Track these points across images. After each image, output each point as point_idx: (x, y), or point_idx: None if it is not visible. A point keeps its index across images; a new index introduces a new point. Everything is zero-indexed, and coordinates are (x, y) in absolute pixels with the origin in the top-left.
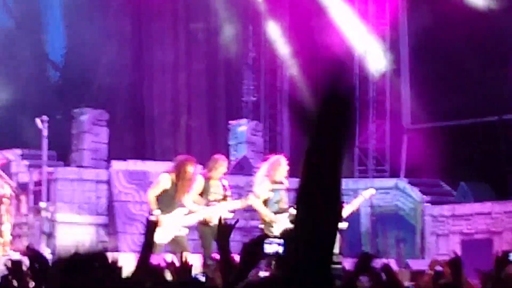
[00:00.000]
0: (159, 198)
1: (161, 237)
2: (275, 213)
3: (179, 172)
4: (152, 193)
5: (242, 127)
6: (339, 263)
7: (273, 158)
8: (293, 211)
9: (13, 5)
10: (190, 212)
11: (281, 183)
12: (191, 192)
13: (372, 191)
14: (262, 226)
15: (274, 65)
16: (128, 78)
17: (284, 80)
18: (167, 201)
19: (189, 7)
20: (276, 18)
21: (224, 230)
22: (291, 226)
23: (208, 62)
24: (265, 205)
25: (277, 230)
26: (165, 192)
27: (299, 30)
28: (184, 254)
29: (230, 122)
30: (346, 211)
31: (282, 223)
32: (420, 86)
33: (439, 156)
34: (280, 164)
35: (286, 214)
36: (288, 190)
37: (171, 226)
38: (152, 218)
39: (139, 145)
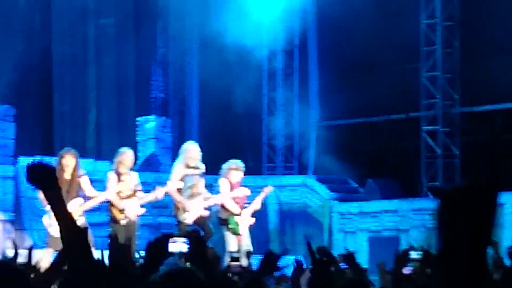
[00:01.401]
0: None
1: (56, 231)
2: (189, 197)
3: (58, 167)
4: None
5: (150, 123)
6: (237, 259)
7: (185, 144)
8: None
9: None
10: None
11: (195, 168)
12: (109, 189)
13: (270, 188)
14: (174, 213)
15: (183, 62)
16: (37, 73)
17: (193, 77)
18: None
19: (98, 1)
20: (185, 14)
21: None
22: (202, 213)
23: (117, 58)
24: (178, 192)
25: (190, 217)
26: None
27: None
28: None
29: (139, 118)
30: (249, 210)
31: (196, 209)
32: (328, 82)
33: (346, 153)
34: (190, 150)
35: (200, 198)
36: (203, 175)
37: None
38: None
39: (47, 141)
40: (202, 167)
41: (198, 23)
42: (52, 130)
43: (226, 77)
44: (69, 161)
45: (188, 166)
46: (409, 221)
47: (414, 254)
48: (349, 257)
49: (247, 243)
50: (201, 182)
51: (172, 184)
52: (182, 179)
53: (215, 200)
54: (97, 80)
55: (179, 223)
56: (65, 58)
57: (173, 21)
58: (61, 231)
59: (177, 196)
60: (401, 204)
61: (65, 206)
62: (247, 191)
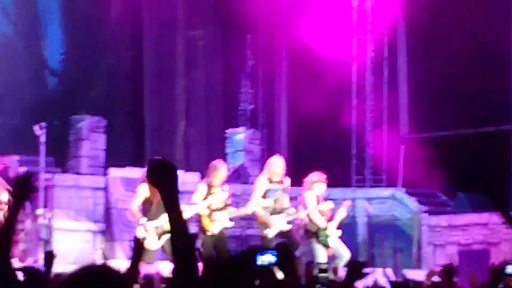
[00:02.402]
0: (143, 207)
1: (152, 244)
2: (272, 213)
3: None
4: (134, 204)
5: (239, 135)
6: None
7: (270, 159)
8: (292, 211)
9: (12, 11)
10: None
11: (279, 182)
12: (193, 199)
13: (349, 202)
14: (258, 227)
15: (271, 73)
16: (127, 85)
17: (281, 89)
18: (150, 208)
19: (188, 14)
20: (274, 27)
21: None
22: (288, 227)
23: (206, 70)
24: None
25: (272, 232)
26: (147, 200)
27: (296, 39)
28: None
29: (227, 130)
30: (335, 222)
31: (278, 223)
32: (418, 95)
33: (436, 165)
34: (274, 164)
35: (283, 215)
36: (287, 190)
37: (160, 232)
38: (141, 229)
39: (137, 152)
40: (286, 182)
41: (287, 35)
42: (142, 141)
43: (314, 89)
44: None
45: (271, 181)
46: (499, 234)
47: (510, 269)
48: (448, 269)
49: (345, 252)
50: (285, 198)
51: (255, 204)
52: (265, 194)
53: (301, 214)
54: (186, 92)
55: (263, 237)
56: (154, 70)
57: (262, 33)
58: (172, 235)
59: (260, 212)
60: (491, 217)
61: (180, 210)
62: (331, 205)
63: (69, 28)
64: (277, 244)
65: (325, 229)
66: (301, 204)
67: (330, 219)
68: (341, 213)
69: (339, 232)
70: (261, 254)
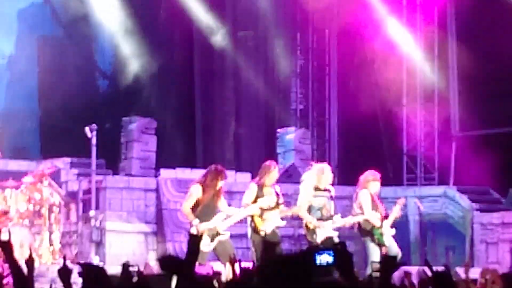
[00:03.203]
0: (195, 208)
1: (205, 245)
2: (318, 219)
3: (206, 182)
4: (187, 205)
5: (290, 135)
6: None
7: (317, 166)
8: (337, 219)
9: (63, 14)
10: (228, 216)
11: (325, 190)
12: (244, 200)
13: (402, 200)
14: (304, 232)
15: (322, 73)
16: (178, 86)
17: (332, 88)
18: (203, 210)
19: (237, 15)
20: (324, 26)
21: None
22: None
23: (256, 70)
24: (308, 212)
25: (320, 237)
26: (199, 201)
27: (347, 38)
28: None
29: (278, 130)
30: (389, 221)
31: (325, 230)
32: (468, 92)
33: (488, 163)
34: (323, 172)
35: (329, 222)
36: (333, 198)
37: (212, 234)
38: (194, 231)
39: (188, 153)
40: (332, 191)
41: (337, 35)
42: (193, 142)
43: (365, 88)
44: (221, 183)
45: (317, 188)
46: None
47: None
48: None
49: (397, 251)
50: (330, 205)
51: (302, 206)
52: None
53: (357, 219)
54: (236, 92)
55: (309, 243)
56: (205, 71)
57: (311, 32)
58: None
59: (307, 217)
60: None
61: None
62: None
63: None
64: (334, 244)
65: (380, 227)
66: (354, 203)
67: (385, 218)
68: (395, 212)
69: (393, 231)
70: (319, 254)
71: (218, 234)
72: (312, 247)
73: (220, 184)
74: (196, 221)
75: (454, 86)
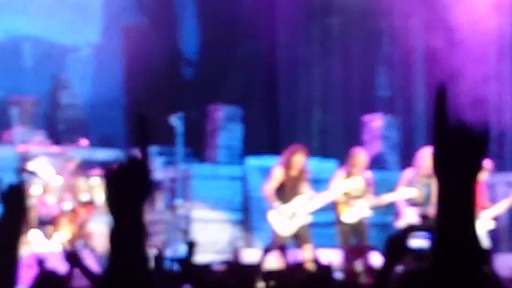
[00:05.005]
0: (278, 191)
1: (285, 229)
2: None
3: (287, 163)
4: (268, 188)
5: (376, 122)
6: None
7: (422, 152)
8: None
9: (147, 2)
10: (311, 200)
11: (428, 176)
12: (330, 187)
13: None
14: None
15: (409, 59)
16: (262, 73)
17: (418, 74)
18: (284, 192)
19: (323, 2)
20: (410, 12)
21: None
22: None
23: (342, 57)
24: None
25: (402, 223)
26: (281, 184)
27: (434, 24)
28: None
29: (365, 117)
30: (491, 212)
31: (409, 216)
32: None
33: None
34: (426, 157)
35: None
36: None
37: (294, 216)
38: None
39: (273, 141)
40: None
41: (423, 21)
42: (278, 130)
43: (452, 73)
44: (298, 159)
45: (420, 174)
46: None
47: None
48: None
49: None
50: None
51: (401, 193)
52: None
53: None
54: (322, 79)
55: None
56: (290, 58)
57: (397, 19)
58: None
59: (401, 203)
60: None
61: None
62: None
63: (204, 18)
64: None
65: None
66: None
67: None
68: (502, 205)
69: (492, 223)
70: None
71: (298, 217)
72: (409, 227)
73: (299, 161)
74: (277, 204)
75: None
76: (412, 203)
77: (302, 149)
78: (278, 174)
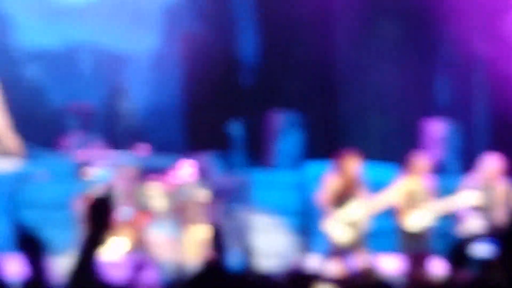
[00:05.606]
0: (333, 198)
1: (343, 236)
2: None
3: (338, 169)
4: (322, 195)
5: (436, 126)
6: None
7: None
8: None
9: (205, 8)
10: (367, 205)
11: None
12: (393, 192)
13: None
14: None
15: (468, 64)
16: (321, 79)
17: (479, 79)
18: (340, 199)
19: (382, 7)
20: (471, 17)
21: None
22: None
23: (400, 61)
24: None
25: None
26: (336, 190)
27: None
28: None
29: (424, 121)
30: None
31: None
32: None
33: None
34: (489, 162)
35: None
36: None
37: (351, 222)
38: (330, 222)
39: (333, 147)
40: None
41: (483, 26)
42: (338, 135)
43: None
44: (349, 164)
45: (483, 179)
46: None
47: None
48: None
49: None
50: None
51: (464, 198)
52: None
53: None
54: (380, 83)
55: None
56: (348, 63)
57: (456, 22)
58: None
59: (463, 209)
60: None
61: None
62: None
63: (262, 25)
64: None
65: None
66: None
67: None
68: None
69: None
70: (480, 245)
71: (355, 223)
72: (471, 237)
73: (350, 166)
74: (332, 211)
75: None
76: (474, 208)
77: (352, 154)
78: (330, 181)
